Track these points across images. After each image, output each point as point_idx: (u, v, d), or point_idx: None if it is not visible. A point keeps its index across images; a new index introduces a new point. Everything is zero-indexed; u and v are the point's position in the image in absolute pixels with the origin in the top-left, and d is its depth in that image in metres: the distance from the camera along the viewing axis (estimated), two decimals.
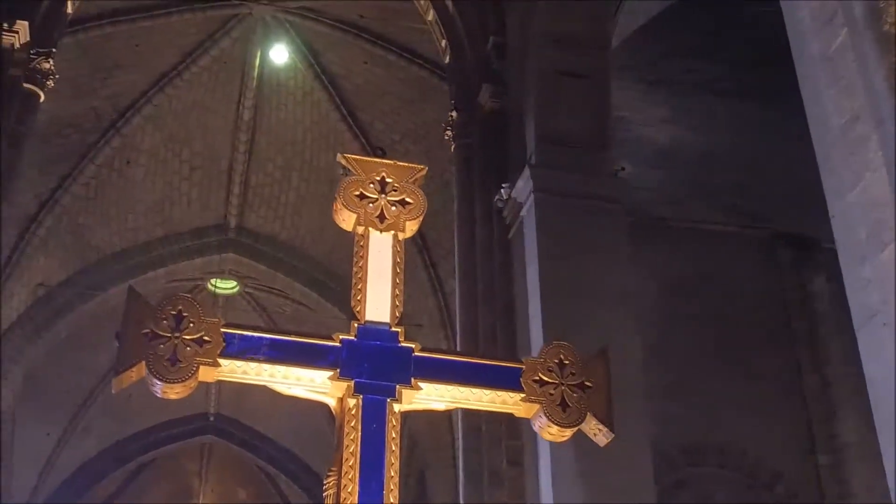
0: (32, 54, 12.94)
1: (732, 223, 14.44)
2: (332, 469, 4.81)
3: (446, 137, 14.74)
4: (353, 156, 5.49)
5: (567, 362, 5.18)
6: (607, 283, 11.65)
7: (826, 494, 13.30)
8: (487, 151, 13.69)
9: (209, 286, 23.39)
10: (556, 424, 5.06)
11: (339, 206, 5.39)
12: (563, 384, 5.12)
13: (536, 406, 5.08)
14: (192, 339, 4.79)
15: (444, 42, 15.22)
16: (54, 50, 13.35)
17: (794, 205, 12.92)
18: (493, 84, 13.85)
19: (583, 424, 5.09)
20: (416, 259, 20.35)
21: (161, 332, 4.75)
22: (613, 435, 5.14)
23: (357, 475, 4.71)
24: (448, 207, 14.74)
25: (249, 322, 23.92)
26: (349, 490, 4.67)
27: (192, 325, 4.82)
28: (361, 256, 5.32)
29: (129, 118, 19.40)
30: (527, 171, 12.16)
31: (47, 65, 13.17)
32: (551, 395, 5.09)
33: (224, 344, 4.85)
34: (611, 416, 5.17)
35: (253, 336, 4.99)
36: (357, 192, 5.40)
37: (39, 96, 13.15)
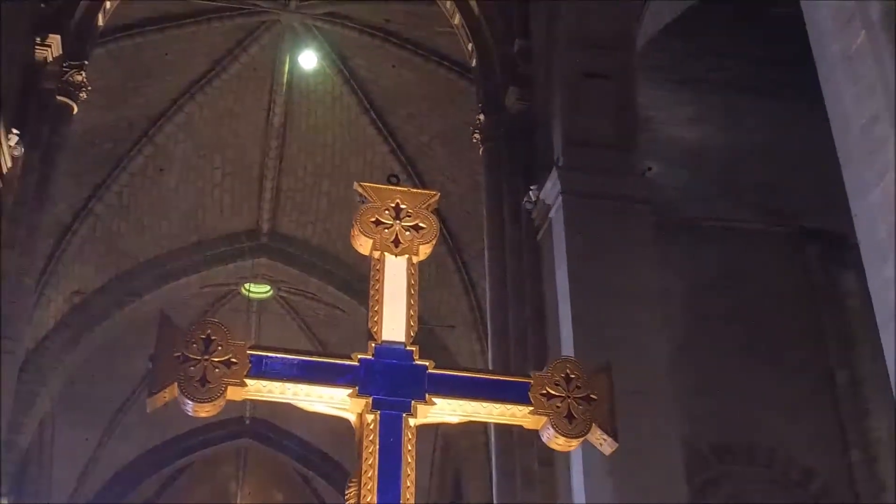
0: (65, 67, 13.15)
1: (760, 221, 14.42)
2: (353, 479, 5.10)
3: (474, 140, 14.84)
4: (369, 184, 5.78)
5: (573, 376, 5.45)
6: (635, 282, 11.70)
7: (860, 491, 13.27)
8: (515, 153, 13.78)
9: (243, 291, 23.57)
10: (563, 435, 5.33)
11: (356, 232, 5.70)
12: (569, 397, 5.38)
13: (544, 418, 5.36)
14: (220, 361, 5.10)
15: (470, 45, 15.32)
16: (86, 62, 13.54)
17: (823, 201, 12.86)
18: (519, 86, 13.93)
19: (588, 435, 5.35)
20: (448, 261, 20.46)
21: (191, 355, 5.05)
22: (617, 444, 5.40)
23: (375, 485, 5.01)
24: (479, 209, 14.84)
25: (283, 326, 24.28)
26: (368, 500, 4.96)
27: (220, 347, 5.12)
28: (378, 279, 5.62)
29: (160, 126, 19.60)
30: (554, 173, 12.23)
31: (80, 77, 13.37)
32: (558, 407, 5.36)
33: (250, 365, 5.15)
34: (615, 427, 5.43)
35: (277, 357, 5.29)
36: (373, 219, 5.71)
37: (73, 108, 13.36)
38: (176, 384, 5.00)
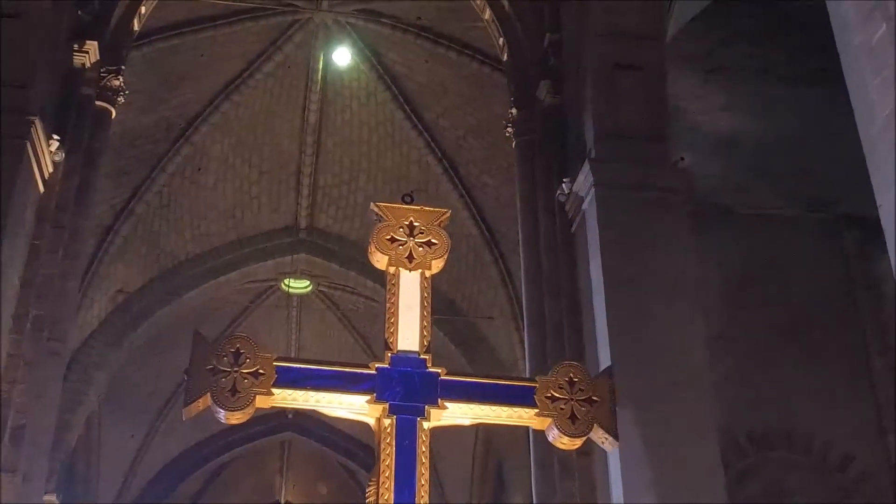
0: (103, 73, 13.37)
1: (796, 208, 14.39)
2: (372, 479, 5.56)
3: (507, 134, 14.94)
4: (384, 203, 6.26)
5: (576, 380, 5.90)
6: (670, 273, 11.73)
7: None
8: (548, 147, 13.83)
9: (283, 286, 23.77)
10: (567, 435, 5.78)
11: (372, 249, 6.16)
12: (572, 399, 5.82)
13: (549, 420, 5.81)
14: (248, 373, 5.52)
15: (501, 40, 15.41)
16: (123, 67, 13.75)
17: (858, 187, 12.80)
18: (550, 80, 13.98)
19: (591, 434, 5.78)
20: (486, 252, 20.56)
21: (222, 368, 5.50)
22: (618, 443, 5.85)
23: (392, 484, 5.48)
24: (515, 201, 14.89)
25: (323, 320, 24.47)
26: (385, 498, 5.42)
27: (248, 360, 5.54)
28: (393, 293, 6.05)
29: (197, 126, 19.83)
30: (586, 166, 12.26)
31: (117, 82, 13.59)
32: (562, 409, 5.80)
33: (276, 375, 5.58)
34: (615, 427, 5.82)
35: (301, 367, 5.74)
36: (388, 237, 6.18)
37: (111, 113, 13.57)
38: (209, 394, 5.43)
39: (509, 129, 14.81)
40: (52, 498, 17.57)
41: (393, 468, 5.56)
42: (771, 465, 13.08)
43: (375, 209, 6.32)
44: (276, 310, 24.46)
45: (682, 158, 12.68)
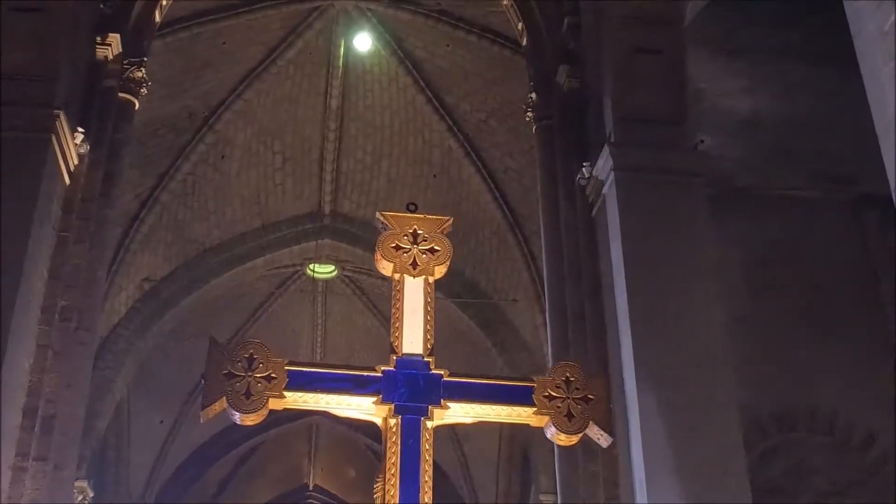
0: (125, 65, 13.49)
1: (817, 188, 14.38)
2: (380, 475, 5.86)
3: (527, 119, 14.98)
4: (389, 213, 6.60)
5: (573, 379, 6.24)
6: (691, 255, 11.77)
7: None
8: (568, 131, 13.86)
9: (308, 271, 23.91)
10: (563, 432, 6.15)
11: (378, 257, 6.54)
12: (569, 398, 6.16)
13: (546, 418, 6.16)
14: (261, 377, 5.88)
15: (520, 25, 15.43)
16: (145, 59, 13.86)
17: (877, 167, 12.83)
18: (570, 64, 14.00)
19: (587, 431, 6.14)
20: (509, 235, 20.63)
21: (237, 372, 5.86)
22: (612, 439, 6.28)
23: (397, 480, 5.77)
24: (537, 184, 14.93)
25: (349, 304, 24.59)
26: (391, 494, 5.72)
27: (261, 365, 5.93)
28: (398, 299, 6.43)
29: (220, 115, 19.95)
30: (606, 150, 12.30)
31: (140, 73, 13.69)
32: (559, 407, 6.13)
33: (288, 379, 5.95)
34: (610, 423, 6.23)
35: (311, 371, 6.12)
36: (393, 245, 6.54)
37: (134, 104, 13.68)
38: (224, 398, 5.81)
39: (529, 114, 14.86)
40: (84, 484, 17.83)
41: (398, 466, 5.81)
42: (793, 444, 13.13)
43: (381, 218, 6.66)
44: (301, 295, 24.62)
45: (702, 141, 12.71)
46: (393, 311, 6.48)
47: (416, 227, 6.64)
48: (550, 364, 12.97)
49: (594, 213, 12.86)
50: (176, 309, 21.25)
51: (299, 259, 23.17)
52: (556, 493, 12.74)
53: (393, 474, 5.82)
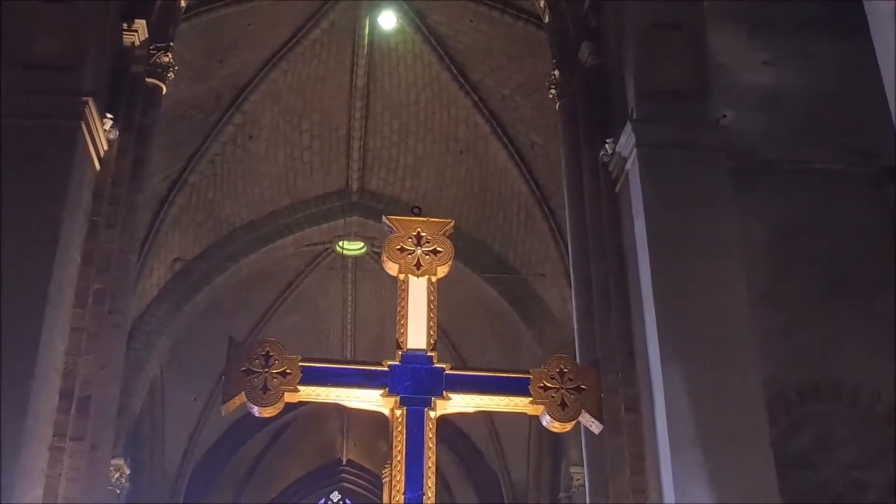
0: (152, 50, 13.65)
1: (840, 161, 14.32)
2: (388, 462, 6.40)
3: (550, 96, 15.05)
4: (395, 217, 7.02)
5: (566, 371, 6.74)
6: (714, 231, 11.84)
7: None
8: (591, 108, 13.92)
9: (337, 248, 24.11)
10: (558, 420, 6.66)
11: (384, 259, 6.98)
12: (562, 388, 6.67)
13: (542, 407, 6.68)
14: (277, 373, 6.35)
15: (542, 2, 15.50)
16: (171, 44, 14.01)
17: None
18: (592, 41, 14.04)
19: (580, 418, 6.69)
20: (536, 210, 20.73)
21: (254, 369, 6.35)
22: (602, 426, 6.88)
23: (403, 467, 6.31)
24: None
25: (378, 281, 24.75)
26: (398, 479, 6.25)
27: (276, 362, 6.39)
28: (403, 298, 6.87)
29: (247, 95, 20.12)
30: (629, 126, 12.35)
31: (166, 58, 13.85)
32: (553, 397, 6.65)
33: (301, 374, 6.41)
34: (601, 412, 6.79)
35: (323, 367, 6.58)
36: (398, 247, 6.95)
37: (161, 89, 13.85)
38: (243, 393, 6.30)
39: (552, 91, 14.93)
40: (120, 462, 18.16)
41: (404, 453, 6.34)
42: (819, 417, 13.15)
43: (387, 222, 7.05)
44: (331, 272, 24.82)
45: (724, 116, 12.74)
46: (398, 308, 6.89)
47: (419, 229, 7.03)
48: (577, 339, 13.10)
49: (618, 189, 12.93)
50: (207, 288, 21.51)
51: (328, 236, 23.37)
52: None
53: (399, 461, 6.32)
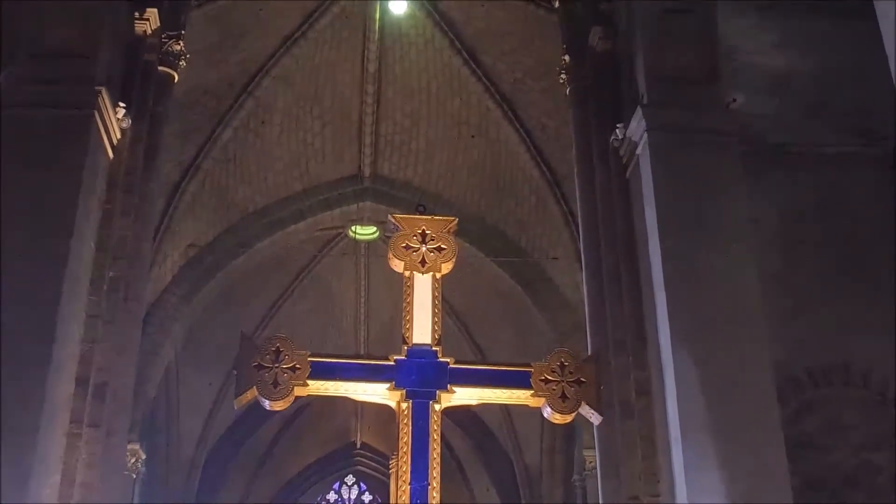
0: (164, 38, 13.73)
1: (851, 143, 14.30)
2: (394, 453, 6.61)
3: (561, 81, 15.08)
4: (400, 215, 7.29)
5: (566, 364, 6.97)
6: (724, 215, 11.88)
7: None
8: (601, 93, 13.95)
9: (350, 233, 24.17)
10: (558, 412, 6.87)
11: (390, 256, 7.23)
12: (563, 381, 6.90)
13: (543, 399, 6.90)
14: (287, 368, 6.58)
15: None
16: (183, 32, 14.08)
17: None
18: (602, 26, 14.06)
19: (580, 410, 6.88)
20: (548, 194, 20.72)
21: (265, 364, 6.56)
22: (602, 417, 7.10)
23: (409, 458, 6.53)
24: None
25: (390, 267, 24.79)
26: (404, 469, 6.48)
27: (286, 357, 6.60)
28: (408, 294, 7.10)
29: (259, 81, 20.13)
30: (639, 111, 12.39)
31: (178, 46, 13.95)
32: (554, 390, 6.87)
33: (310, 369, 6.64)
34: (600, 404, 6.99)
35: (331, 362, 6.83)
36: (403, 245, 7.22)
37: (174, 77, 13.95)
38: (255, 387, 6.51)
39: (563, 76, 14.95)
40: (136, 447, 18.32)
41: (410, 445, 6.57)
42: (829, 399, 13.19)
43: (393, 220, 7.31)
44: (344, 257, 24.89)
45: (734, 100, 12.75)
46: (404, 304, 7.08)
47: (424, 227, 7.25)
48: (588, 324, 13.16)
49: (628, 173, 12.98)
50: (221, 273, 21.60)
51: (341, 221, 23.41)
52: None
53: (405, 452, 6.54)
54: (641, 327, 12.17)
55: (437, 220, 7.33)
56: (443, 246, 7.22)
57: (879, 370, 13.14)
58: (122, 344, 12.11)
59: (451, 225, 7.32)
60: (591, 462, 19.26)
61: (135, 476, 18.98)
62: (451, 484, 29.97)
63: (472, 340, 25.59)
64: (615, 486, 11.87)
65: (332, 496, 33.96)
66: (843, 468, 12.84)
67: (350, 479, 33.96)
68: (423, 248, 7.19)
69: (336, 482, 33.97)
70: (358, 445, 32.83)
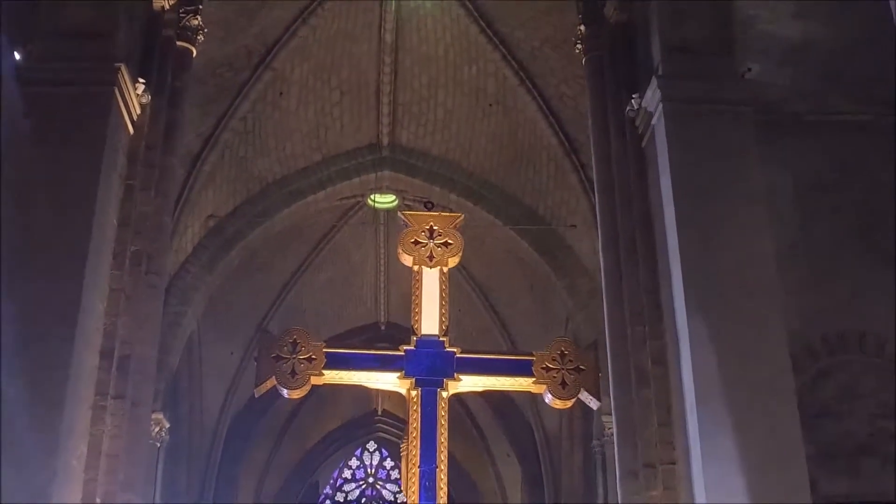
0: (182, 14, 13.84)
1: (867, 112, 14.29)
2: (404, 438, 7.21)
3: (577, 51, 15.12)
4: (409, 212, 7.89)
5: (566, 353, 7.44)
6: (740, 184, 11.98)
7: None
8: (617, 63, 14.00)
9: (369, 202, 24.30)
10: (559, 398, 7.43)
11: (400, 251, 7.69)
12: (563, 369, 7.38)
13: (544, 386, 7.43)
14: (304, 359, 7.13)
15: None
16: (201, 6, 14.17)
17: None
18: None
19: (579, 396, 7.43)
20: (566, 162, 20.73)
21: (283, 355, 7.13)
22: (600, 403, 7.70)
23: (418, 442, 6.98)
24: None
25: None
26: (414, 453, 6.95)
27: (303, 348, 7.15)
28: (417, 287, 7.49)
29: (277, 52, 20.14)
30: (654, 82, 12.47)
31: (196, 21, 14.04)
32: (554, 377, 7.35)
33: (326, 360, 7.20)
34: (598, 390, 7.50)
35: (345, 353, 7.39)
36: (412, 240, 7.69)
37: (192, 52, 14.06)
38: (274, 377, 7.15)
39: (579, 46, 14.99)
40: (160, 416, 18.57)
41: (419, 430, 7.00)
42: (844, 367, 13.29)
43: (402, 217, 7.84)
44: (363, 226, 25.02)
45: (749, 70, 12.79)
46: (413, 297, 7.49)
47: (432, 223, 7.71)
48: (604, 293, 13.27)
49: (644, 143, 13.06)
50: (241, 244, 21.73)
51: (360, 190, 23.50)
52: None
53: (415, 437, 6.98)
54: (657, 296, 12.29)
55: (444, 216, 7.82)
56: (449, 241, 7.61)
57: (894, 338, 13.22)
58: (145, 317, 12.30)
59: (457, 221, 7.80)
60: (609, 428, 19.35)
61: (159, 445, 19.23)
62: (472, 450, 30.26)
63: (491, 308, 25.74)
64: (632, 453, 12.03)
65: (354, 462, 34.30)
66: (857, 435, 12.96)
67: (372, 446, 34.29)
68: (431, 244, 7.58)
69: (358, 448, 34.29)
70: (379, 412, 33.06)
